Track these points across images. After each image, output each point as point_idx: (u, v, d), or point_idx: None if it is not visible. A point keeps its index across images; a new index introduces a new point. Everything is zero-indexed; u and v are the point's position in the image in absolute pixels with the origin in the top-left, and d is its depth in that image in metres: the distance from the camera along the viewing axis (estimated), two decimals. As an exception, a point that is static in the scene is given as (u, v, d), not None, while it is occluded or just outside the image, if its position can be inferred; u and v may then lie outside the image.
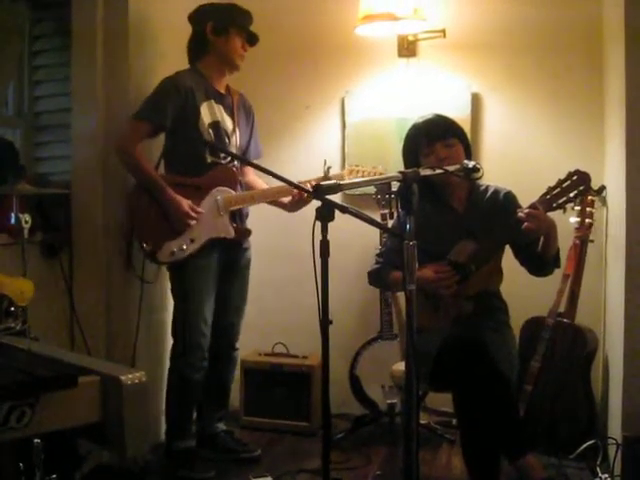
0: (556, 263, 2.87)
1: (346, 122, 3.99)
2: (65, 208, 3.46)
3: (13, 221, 3.01)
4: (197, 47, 3.32)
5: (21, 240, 2.97)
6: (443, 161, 2.80)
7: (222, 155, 3.27)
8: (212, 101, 3.27)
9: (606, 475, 2.90)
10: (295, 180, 3.25)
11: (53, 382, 1.85)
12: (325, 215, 2.03)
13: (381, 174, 3.43)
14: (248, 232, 3.40)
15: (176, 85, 3.18)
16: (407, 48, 3.89)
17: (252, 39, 3.35)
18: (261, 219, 3.50)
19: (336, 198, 2.09)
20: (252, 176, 3.50)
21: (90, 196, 3.44)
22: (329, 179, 3.33)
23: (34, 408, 1.79)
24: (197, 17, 3.31)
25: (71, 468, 2.28)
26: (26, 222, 2.97)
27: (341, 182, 2.14)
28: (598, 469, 2.99)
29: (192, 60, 3.35)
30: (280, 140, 4.05)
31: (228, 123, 3.32)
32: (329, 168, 3.36)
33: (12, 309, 2.57)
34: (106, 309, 3.47)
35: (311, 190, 2.09)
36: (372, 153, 3.51)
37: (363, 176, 3.42)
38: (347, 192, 3.73)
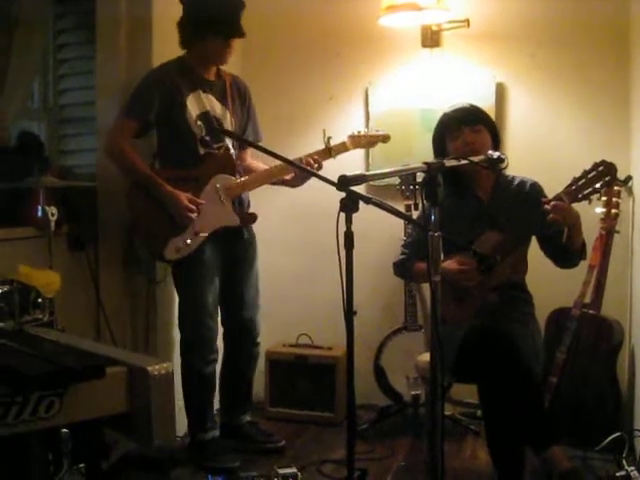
0: (582, 255, 2.85)
1: (370, 113, 3.98)
2: (91, 201, 3.48)
3: (40, 214, 3.04)
4: (181, 38, 3.18)
5: (47, 233, 3.00)
6: (469, 145, 2.83)
7: (215, 145, 3.18)
8: (200, 91, 3.17)
9: (632, 468, 2.88)
10: (297, 154, 3.17)
11: (81, 373, 1.87)
12: (349, 206, 2.02)
13: (385, 137, 3.38)
14: (253, 217, 3.28)
15: (159, 79, 3.12)
16: (431, 38, 3.86)
17: (237, 34, 3.12)
18: (283, 210, 3.49)
19: (359, 189, 2.08)
20: (249, 160, 3.39)
21: (115, 189, 3.44)
22: (331, 150, 3.28)
23: (62, 398, 1.81)
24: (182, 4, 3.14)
25: (98, 458, 2.30)
26: (52, 215, 3.00)
27: (366, 173, 2.13)
28: (624, 462, 2.97)
29: (183, 48, 3.21)
30: (304, 131, 4.03)
31: (218, 110, 3.22)
32: (329, 139, 3.27)
33: (39, 301, 2.60)
34: (131, 301, 3.50)
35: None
36: (396, 144, 3.49)
37: (367, 140, 3.37)
38: (371, 183, 3.72)
